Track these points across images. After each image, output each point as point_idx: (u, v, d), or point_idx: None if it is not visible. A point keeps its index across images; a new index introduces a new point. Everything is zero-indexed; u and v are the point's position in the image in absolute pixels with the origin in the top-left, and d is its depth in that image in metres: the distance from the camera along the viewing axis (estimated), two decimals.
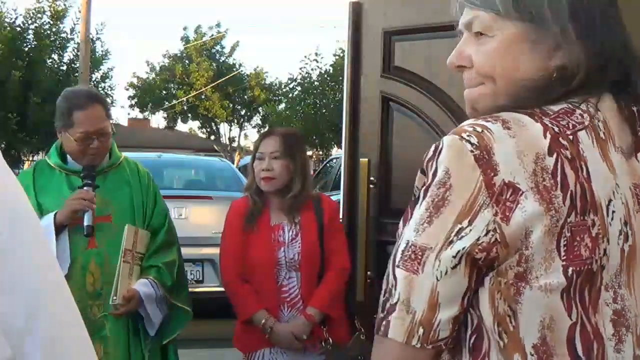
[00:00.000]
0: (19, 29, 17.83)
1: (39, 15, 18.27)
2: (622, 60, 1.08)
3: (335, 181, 8.69)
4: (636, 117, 1.08)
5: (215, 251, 4.32)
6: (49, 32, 18.26)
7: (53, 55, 18.43)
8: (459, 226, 0.98)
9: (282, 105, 25.97)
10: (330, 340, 2.73)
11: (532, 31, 1.07)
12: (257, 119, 29.23)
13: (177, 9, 68.43)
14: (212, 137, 29.44)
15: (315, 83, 23.65)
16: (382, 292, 1.02)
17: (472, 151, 0.99)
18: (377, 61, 2.93)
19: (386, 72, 2.91)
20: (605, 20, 1.08)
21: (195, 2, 65.80)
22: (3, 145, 17.83)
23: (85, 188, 2.54)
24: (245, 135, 30.55)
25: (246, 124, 29.52)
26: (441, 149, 1.02)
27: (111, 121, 2.71)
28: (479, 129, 1.01)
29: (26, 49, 17.77)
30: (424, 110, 2.79)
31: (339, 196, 3.18)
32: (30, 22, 18.14)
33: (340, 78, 16.12)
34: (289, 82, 25.01)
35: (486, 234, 0.97)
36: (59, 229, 2.49)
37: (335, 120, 19.13)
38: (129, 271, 2.56)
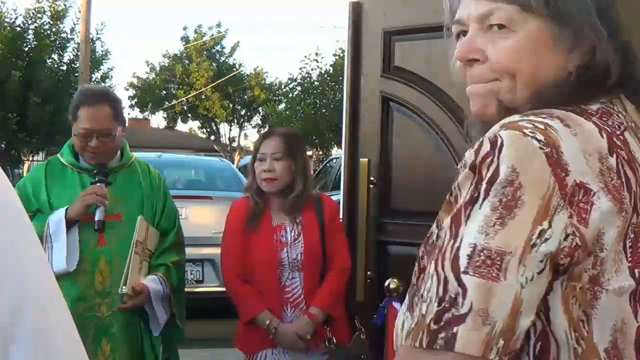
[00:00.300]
0: (19, 29, 17.83)
1: (39, 15, 18.27)
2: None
3: (335, 181, 8.69)
4: None
5: (215, 251, 4.31)
6: (49, 32, 18.26)
7: (53, 55, 18.42)
8: (540, 228, 0.90)
9: (282, 105, 26.00)
10: (334, 340, 2.73)
11: (555, 28, 1.04)
12: (257, 119, 29.28)
13: (177, 9, 68.45)
14: (212, 137, 29.46)
15: (315, 83, 23.67)
16: (434, 300, 0.91)
17: (541, 148, 0.92)
18: (377, 61, 2.92)
19: (386, 72, 2.91)
20: (616, 21, 1.07)
21: (195, 2, 65.82)
22: (3, 145, 17.84)
23: (98, 184, 2.57)
24: (245, 135, 30.59)
25: (246, 124, 29.56)
26: (502, 143, 0.93)
27: (120, 124, 2.70)
28: (541, 126, 0.95)
29: (26, 49, 17.76)
30: (424, 110, 2.79)
31: (339, 196, 3.18)
32: (30, 22, 18.14)
33: (340, 78, 16.11)
34: (289, 82, 25.05)
35: (566, 238, 0.91)
36: (69, 224, 2.51)
37: (335, 120, 19.14)
38: (139, 265, 2.58)
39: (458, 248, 0.91)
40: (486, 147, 0.94)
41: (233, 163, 16.37)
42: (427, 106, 2.78)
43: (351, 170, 3.00)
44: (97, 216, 2.52)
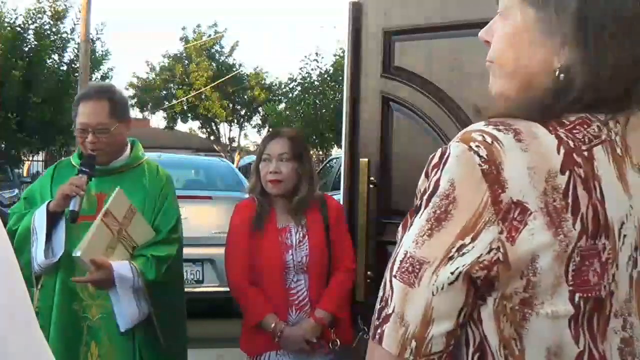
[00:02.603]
0: (19, 29, 17.84)
1: (39, 15, 18.29)
2: None
3: (335, 181, 8.69)
4: None
5: (215, 251, 4.30)
6: (49, 32, 18.28)
7: (53, 56, 18.43)
8: (461, 242, 0.94)
9: (282, 105, 25.98)
10: (338, 342, 2.72)
11: (543, 21, 1.01)
12: (257, 119, 29.29)
13: (177, 9, 68.39)
14: (212, 137, 29.46)
15: (315, 83, 23.66)
16: (379, 298, 1.00)
17: (480, 165, 0.94)
18: (377, 61, 2.92)
19: (386, 72, 2.91)
20: (627, 31, 0.99)
21: (195, 2, 65.80)
22: (3, 145, 17.85)
23: (79, 175, 2.52)
24: (245, 135, 30.68)
25: (246, 124, 29.57)
26: (448, 156, 0.97)
27: (122, 121, 2.65)
28: (489, 140, 0.95)
29: (26, 49, 17.78)
30: (424, 110, 2.79)
31: (339, 196, 3.18)
32: (30, 22, 18.15)
33: (340, 78, 16.11)
34: (289, 82, 25.04)
35: (489, 252, 0.93)
36: (55, 217, 2.49)
37: (335, 120, 19.14)
38: (109, 242, 2.44)
39: (397, 253, 0.99)
40: (436, 157, 0.99)
41: (233, 163, 16.38)
42: (427, 106, 2.78)
43: (351, 170, 3.00)
44: (71, 206, 2.45)
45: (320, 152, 24.56)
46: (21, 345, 0.82)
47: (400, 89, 2.86)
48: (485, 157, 0.94)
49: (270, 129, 21.92)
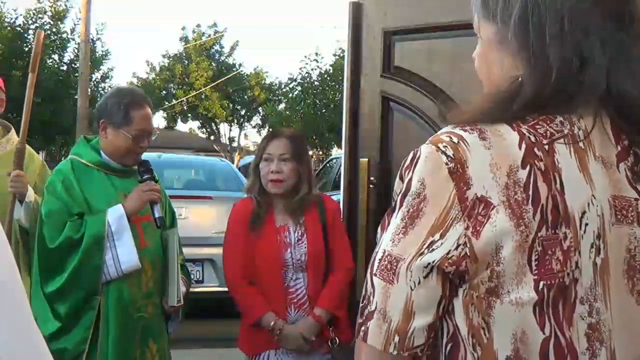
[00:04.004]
0: (19, 29, 17.85)
1: (40, 15, 18.31)
2: (602, 68, 1.01)
3: (335, 181, 8.69)
4: (621, 127, 1.04)
5: (215, 251, 4.28)
6: (49, 32, 18.28)
7: (53, 56, 18.44)
8: (431, 239, 0.99)
9: (282, 105, 25.99)
10: (337, 340, 2.73)
11: (500, 32, 1.07)
12: (257, 119, 29.32)
13: (177, 12, 68.39)
14: (212, 137, 29.47)
15: (315, 83, 23.67)
16: (362, 297, 1.04)
17: (447, 164, 1.00)
18: (377, 61, 2.92)
19: (386, 72, 2.91)
20: (577, 25, 1.01)
21: (195, 2, 65.80)
22: None
23: (147, 182, 2.58)
24: (245, 135, 30.68)
25: (246, 124, 29.59)
26: (418, 158, 1.03)
27: None
28: (456, 140, 1.01)
29: (26, 49, 17.78)
30: (424, 110, 2.79)
31: (339, 196, 3.18)
32: (30, 22, 18.17)
33: (340, 78, 16.12)
34: (289, 82, 25.05)
35: (456, 248, 0.98)
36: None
37: (335, 120, 19.15)
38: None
39: (376, 253, 1.04)
40: (408, 160, 1.05)
41: (233, 163, 16.37)
42: (427, 106, 2.78)
43: (351, 170, 3.00)
44: (157, 213, 2.55)
45: (320, 152, 24.58)
46: (22, 349, 0.82)
47: (400, 89, 2.86)
48: (452, 156, 1.00)
49: (270, 129, 21.95)
